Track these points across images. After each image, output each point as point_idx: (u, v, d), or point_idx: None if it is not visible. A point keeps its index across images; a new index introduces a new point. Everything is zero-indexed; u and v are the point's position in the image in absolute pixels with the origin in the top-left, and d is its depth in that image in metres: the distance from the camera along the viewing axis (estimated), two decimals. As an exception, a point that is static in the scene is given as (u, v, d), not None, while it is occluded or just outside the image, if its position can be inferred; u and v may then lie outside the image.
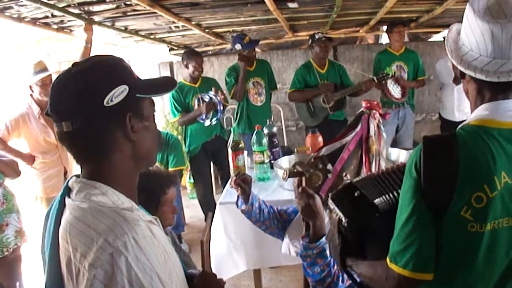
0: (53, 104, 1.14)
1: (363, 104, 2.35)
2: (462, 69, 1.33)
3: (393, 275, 1.28)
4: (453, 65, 1.41)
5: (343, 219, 1.51)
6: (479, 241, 1.22)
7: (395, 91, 5.32)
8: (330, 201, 1.59)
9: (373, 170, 2.30)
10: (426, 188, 1.23)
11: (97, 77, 1.13)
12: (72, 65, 1.18)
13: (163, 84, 1.30)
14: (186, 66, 4.94)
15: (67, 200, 1.16)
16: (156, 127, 1.29)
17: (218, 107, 4.87)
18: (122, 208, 1.11)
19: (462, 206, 1.20)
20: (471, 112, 1.38)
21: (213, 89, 4.86)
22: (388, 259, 1.31)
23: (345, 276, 1.97)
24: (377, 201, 1.49)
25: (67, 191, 1.19)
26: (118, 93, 1.12)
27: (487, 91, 1.31)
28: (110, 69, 1.17)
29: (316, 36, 5.27)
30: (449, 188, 1.20)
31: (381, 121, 2.34)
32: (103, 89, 1.11)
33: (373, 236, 1.49)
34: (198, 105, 4.87)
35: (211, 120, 4.91)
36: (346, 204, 1.54)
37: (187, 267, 1.39)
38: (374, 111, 2.31)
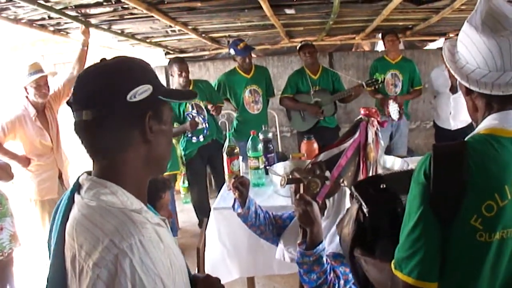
0: (77, 92, 1.16)
1: (362, 111, 2.35)
2: (475, 88, 1.32)
3: (397, 282, 1.28)
4: (450, 74, 1.42)
5: (364, 207, 1.50)
6: (487, 250, 1.22)
7: (394, 112, 5.34)
8: (353, 189, 1.58)
9: (369, 177, 2.30)
10: (434, 195, 1.22)
11: (124, 72, 1.17)
12: (100, 60, 1.22)
13: (184, 94, 1.38)
14: (172, 75, 4.94)
15: (76, 196, 1.17)
16: (172, 134, 1.30)
17: (204, 125, 4.92)
18: (130, 210, 1.11)
19: (472, 214, 1.19)
20: (478, 122, 1.39)
21: (209, 106, 4.89)
22: (392, 266, 1.31)
23: (341, 283, 1.97)
24: (403, 198, 1.46)
25: (77, 187, 1.19)
26: (142, 91, 1.14)
27: (496, 103, 1.31)
28: (138, 68, 1.21)
29: (298, 45, 5.40)
30: (459, 196, 1.19)
31: (379, 128, 2.35)
32: (128, 84, 1.14)
33: (389, 232, 1.47)
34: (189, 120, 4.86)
35: (198, 138, 4.97)
36: (371, 193, 1.53)
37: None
38: (372, 118, 2.32)
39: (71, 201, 1.17)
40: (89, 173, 1.21)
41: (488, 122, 1.32)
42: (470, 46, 1.33)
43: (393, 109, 5.36)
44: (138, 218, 1.09)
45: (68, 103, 1.18)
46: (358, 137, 2.30)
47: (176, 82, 4.93)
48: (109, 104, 1.12)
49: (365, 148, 2.30)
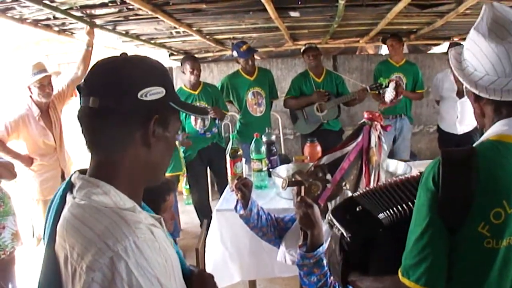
0: (90, 78, 1.16)
1: (365, 115, 2.35)
2: (485, 95, 1.32)
3: None
4: (456, 79, 1.42)
5: (345, 234, 1.50)
6: (494, 257, 1.22)
7: (389, 94, 5.26)
8: (330, 217, 1.58)
9: (372, 181, 2.30)
10: (443, 202, 1.22)
11: (142, 69, 1.17)
12: (121, 54, 1.21)
13: (196, 108, 1.36)
14: (183, 72, 4.95)
15: (68, 196, 1.15)
16: (174, 146, 1.29)
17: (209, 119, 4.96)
18: (123, 209, 1.09)
19: (480, 221, 1.19)
20: (485, 128, 1.39)
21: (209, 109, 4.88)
22: (400, 273, 1.30)
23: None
24: (381, 215, 1.48)
25: (69, 187, 1.17)
26: (154, 92, 1.13)
27: (505, 108, 1.31)
28: (156, 69, 1.20)
29: (302, 48, 5.39)
30: (468, 203, 1.19)
31: (382, 132, 2.34)
32: (142, 81, 1.13)
33: (377, 251, 1.47)
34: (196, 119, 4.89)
35: (211, 132, 5.02)
36: (348, 219, 1.53)
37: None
38: (375, 122, 2.32)
39: (62, 201, 1.15)
40: (82, 171, 1.19)
41: (497, 128, 1.32)
42: (478, 53, 1.33)
43: (388, 92, 5.25)
44: (131, 217, 1.07)
45: (78, 87, 1.16)
46: (361, 141, 2.30)
47: (187, 79, 4.94)
48: (119, 96, 1.11)
49: (368, 152, 2.30)
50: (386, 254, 1.38)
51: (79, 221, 1.05)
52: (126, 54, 1.20)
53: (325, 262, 1.93)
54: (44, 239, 1.17)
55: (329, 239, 1.63)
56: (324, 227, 2.10)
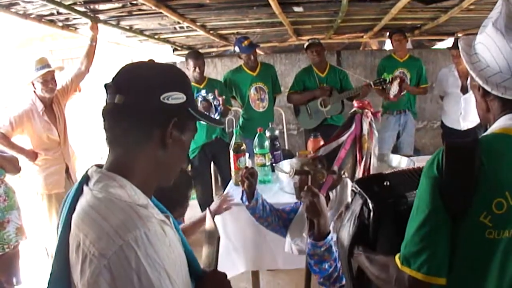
0: (118, 77, 1.22)
1: (355, 103, 2.41)
2: (496, 93, 1.30)
3: (403, 278, 1.27)
4: (460, 74, 1.41)
5: (370, 203, 1.48)
6: (495, 247, 1.21)
7: (393, 89, 5.29)
8: (355, 185, 1.58)
9: (365, 167, 2.34)
10: (446, 188, 1.22)
11: (166, 75, 1.26)
12: (149, 60, 1.31)
13: (212, 118, 1.43)
14: (187, 68, 4.95)
15: (85, 188, 1.19)
16: (187, 153, 1.38)
17: (213, 103, 4.84)
18: (137, 204, 1.13)
19: (482, 211, 1.19)
20: (490, 123, 1.38)
21: (216, 91, 4.84)
22: (399, 262, 1.29)
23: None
24: (408, 194, 1.47)
25: (86, 179, 1.21)
26: (176, 97, 1.21)
27: (511, 104, 1.30)
28: (180, 77, 1.29)
29: (306, 44, 5.37)
30: (470, 191, 1.19)
31: (373, 119, 2.39)
32: (166, 86, 1.21)
33: (390, 231, 1.46)
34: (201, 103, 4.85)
35: (213, 115, 4.92)
36: (375, 190, 1.51)
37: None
38: (366, 110, 2.37)
39: (79, 192, 1.19)
40: (98, 166, 1.23)
41: (502, 122, 1.31)
42: (494, 50, 1.31)
43: (393, 88, 5.28)
44: (144, 212, 1.11)
45: (105, 86, 1.22)
46: (354, 129, 2.36)
47: (190, 76, 4.91)
48: (143, 96, 1.18)
49: (361, 140, 2.34)
50: (399, 236, 1.37)
51: (95, 211, 1.10)
52: (153, 60, 1.31)
53: (334, 248, 1.97)
54: (58, 228, 1.21)
55: (345, 208, 1.64)
56: (329, 213, 2.12)
